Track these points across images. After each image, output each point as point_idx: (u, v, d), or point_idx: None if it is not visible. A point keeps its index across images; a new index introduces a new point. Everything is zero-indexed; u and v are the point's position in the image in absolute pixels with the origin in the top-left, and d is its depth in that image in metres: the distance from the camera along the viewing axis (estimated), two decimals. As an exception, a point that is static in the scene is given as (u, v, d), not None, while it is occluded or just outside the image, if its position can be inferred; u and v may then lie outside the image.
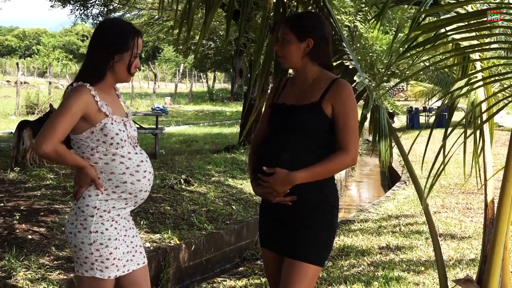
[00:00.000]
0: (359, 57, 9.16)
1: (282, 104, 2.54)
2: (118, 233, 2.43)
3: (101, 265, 2.38)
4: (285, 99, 2.55)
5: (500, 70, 4.61)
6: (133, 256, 2.52)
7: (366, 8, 9.01)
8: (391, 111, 18.48)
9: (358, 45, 9.07)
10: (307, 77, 2.51)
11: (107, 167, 2.39)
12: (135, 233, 2.59)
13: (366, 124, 3.36)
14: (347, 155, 2.39)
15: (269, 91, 2.78)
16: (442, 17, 2.94)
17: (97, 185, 2.39)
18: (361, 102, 3.31)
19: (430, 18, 3.29)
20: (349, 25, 8.34)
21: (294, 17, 2.59)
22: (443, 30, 2.81)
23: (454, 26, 2.63)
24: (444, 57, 3.54)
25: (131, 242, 2.53)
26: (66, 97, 2.36)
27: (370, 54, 9.09)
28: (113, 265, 2.41)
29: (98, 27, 2.47)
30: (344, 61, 3.16)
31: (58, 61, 57.89)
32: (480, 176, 3.34)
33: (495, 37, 3.09)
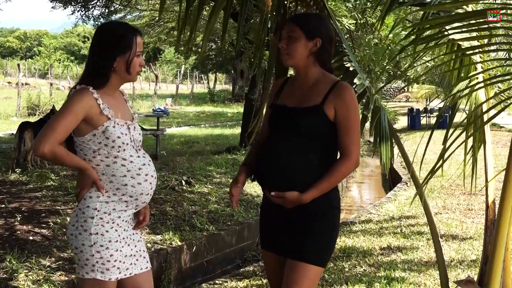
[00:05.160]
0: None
1: (283, 106, 2.51)
2: (119, 235, 2.42)
3: (102, 266, 2.37)
4: (286, 101, 2.52)
5: (503, 71, 4.59)
6: (137, 260, 2.51)
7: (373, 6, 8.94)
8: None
9: (364, 41, 8.90)
10: (308, 78, 2.49)
11: (108, 169, 2.38)
12: (139, 237, 2.58)
13: (367, 125, 3.36)
14: (349, 160, 2.39)
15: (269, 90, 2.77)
16: (443, 15, 2.93)
17: (98, 187, 2.37)
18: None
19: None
20: (351, 25, 8.29)
21: (302, 15, 2.58)
22: (445, 32, 2.81)
23: (455, 25, 2.62)
24: (444, 57, 3.53)
25: (135, 246, 2.52)
26: (68, 99, 2.36)
27: (371, 49, 8.93)
28: (114, 267, 2.40)
29: (96, 31, 2.45)
30: (344, 63, 3.16)
31: (60, 63, 57.95)
32: (474, 177, 3.34)
33: (496, 38, 3.08)
